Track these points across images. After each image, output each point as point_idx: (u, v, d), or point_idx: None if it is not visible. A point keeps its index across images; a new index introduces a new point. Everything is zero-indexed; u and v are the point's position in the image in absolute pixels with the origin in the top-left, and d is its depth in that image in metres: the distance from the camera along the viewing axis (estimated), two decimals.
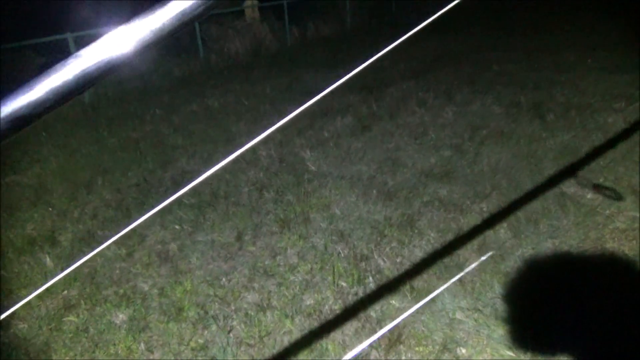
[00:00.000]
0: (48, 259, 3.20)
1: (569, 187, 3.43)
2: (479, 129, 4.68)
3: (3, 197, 4.22)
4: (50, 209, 3.93)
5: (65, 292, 2.87)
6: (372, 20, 13.14)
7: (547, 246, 2.84)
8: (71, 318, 2.63)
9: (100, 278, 2.97)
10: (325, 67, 8.37)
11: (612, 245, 2.75)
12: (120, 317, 2.61)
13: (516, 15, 11.67)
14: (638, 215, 3.00)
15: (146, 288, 2.84)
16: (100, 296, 2.80)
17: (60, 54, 7.14)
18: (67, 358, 2.37)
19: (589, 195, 3.29)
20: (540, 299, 2.41)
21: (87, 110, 6.98)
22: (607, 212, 3.08)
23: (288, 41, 10.99)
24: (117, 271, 3.03)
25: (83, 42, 7.35)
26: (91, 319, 2.62)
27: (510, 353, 2.12)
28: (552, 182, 3.53)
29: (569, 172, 3.60)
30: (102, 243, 3.10)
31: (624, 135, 4.13)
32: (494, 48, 8.28)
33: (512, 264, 2.71)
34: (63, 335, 2.52)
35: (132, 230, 3.46)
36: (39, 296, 2.83)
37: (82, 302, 2.75)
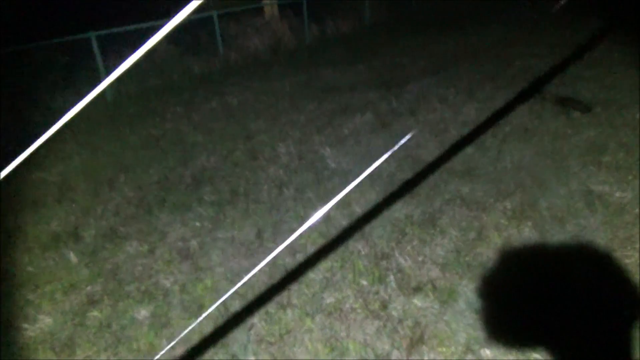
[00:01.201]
0: (72, 255, 3.25)
1: (597, 184, 3.34)
2: (502, 125, 4.59)
3: (28, 194, 4.30)
4: (73, 205, 4.00)
5: (89, 287, 2.91)
6: (391, 17, 13.03)
7: (574, 246, 2.76)
8: (95, 313, 2.67)
9: (122, 274, 3.01)
10: (344, 63, 8.33)
11: None
12: (143, 313, 2.63)
13: (538, 9, 11.42)
14: None
15: (168, 285, 2.86)
16: (123, 292, 2.83)
17: (84, 52, 7.26)
18: (91, 353, 2.40)
19: (617, 194, 3.20)
20: (567, 300, 2.34)
21: (109, 108, 7.08)
22: (637, 210, 2.99)
23: (307, 38, 10.96)
24: (139, 267, 3.06)
25: (106, 41, 7.47)
26: (114, 315, 2.65)
27: (536, 355, 2.07)
28: (578, 179, 3.44)
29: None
30: (124, 239, 3.14)
31: None
32: (516, 43, 8.11)
33: (538, 263, 2.65)
34: (87, 330, 2.56)
35: (153, 227, 3.51)
36: (63, 291, 2.88)
37: (105, 297, 2.79)
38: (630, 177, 3.37)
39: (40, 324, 2.64)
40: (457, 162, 3.97)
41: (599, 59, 6.43)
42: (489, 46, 8.17)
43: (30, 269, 3.16)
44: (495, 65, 6.86)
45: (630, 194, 3.19)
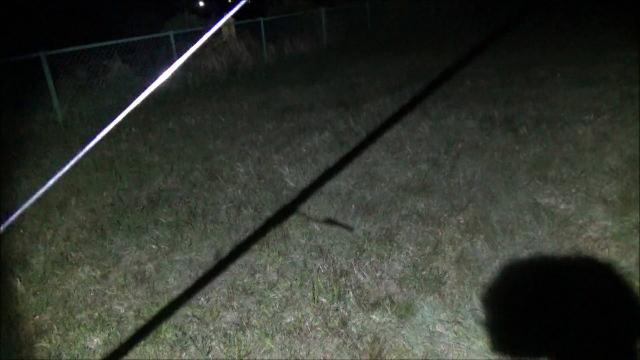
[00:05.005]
0: (19, 283, 3.09)
1: (543, 197, 3.51)
2: (454, 142, 4.76)
3: None
4: (21, 231, 3.82)
5: (37, 317, 2.77)
6: (348, 38, 13.34)
7: (524, 256, 2.88)
8: (43, 344, 2.54)
9: (73, 301, 2.89)
10: (302, 84, 8.43)
11: (586, 254, 2.81)
12: (95, 341, 2.53)
13: (487, 32, 11.99)
14: (609, 224, 3.08)
15: (122, 310, 2.77)
16: (74, 320, 2.71)
17: (33, 73, 7.04)
18: None
19: (562, 206, 3.37)
20: (519, 309, 2.43)
21: (60, 130, 6.86)
22: (580, 222, 3.15)
23: (265, 59, 11.05)
24: (92, 294, 2.95)
25: (57, 61, 7.26)
26: (64, 345, 2.53)
27: None
28: (526, 193, 3.60)
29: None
30: (76, 265, 3.02)
31: (594, 146, 4.25)
32: (467, 64, 8.48)
33: (490, 275, 2.74)
34: None
35: (107, 251, 3.40)
36: (9, 322, 2.73)
37: (54, 326, 2.66)
38: (573, 190, 3.56)
39: None
40: (412, 179, 4.07)
41: (543, 79, 6.81)
42: (442, 67, 8.49)
43: None
44: (448, 85, 7.12)
45: (574, 205, 3.36)
